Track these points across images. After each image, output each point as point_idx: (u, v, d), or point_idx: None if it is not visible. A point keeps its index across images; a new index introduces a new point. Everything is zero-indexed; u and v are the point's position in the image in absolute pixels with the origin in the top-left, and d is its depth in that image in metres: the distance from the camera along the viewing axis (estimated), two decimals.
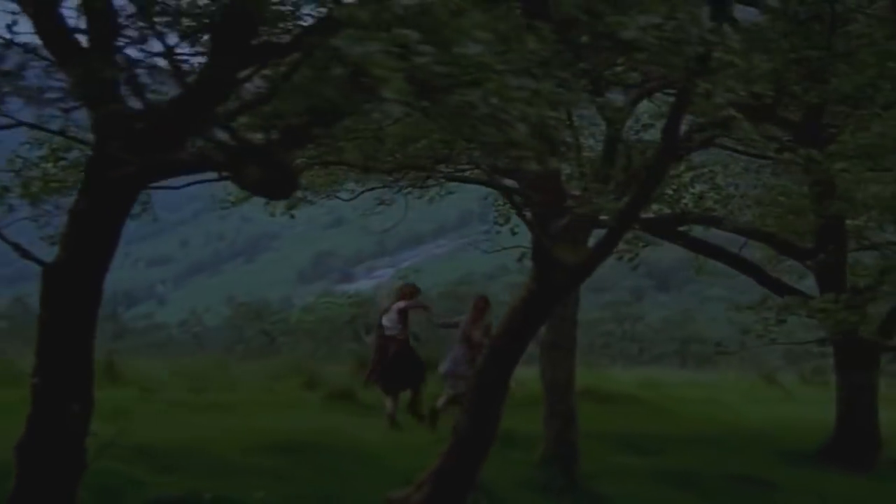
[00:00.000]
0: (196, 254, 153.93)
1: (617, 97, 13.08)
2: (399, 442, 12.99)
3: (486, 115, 3.99)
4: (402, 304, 15.05)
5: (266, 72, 6.26)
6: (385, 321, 15.10)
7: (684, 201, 17.12)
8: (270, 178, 5.77)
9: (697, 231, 18.06)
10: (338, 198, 17.69)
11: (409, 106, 3.94)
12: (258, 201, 16.90)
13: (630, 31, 4.27)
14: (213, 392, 15.21)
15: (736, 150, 17.54)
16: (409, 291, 15.36)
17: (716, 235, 18.48)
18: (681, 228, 17.38)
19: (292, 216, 16.50)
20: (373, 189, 17.23)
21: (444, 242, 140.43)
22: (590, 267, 9.84)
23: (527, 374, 14.60)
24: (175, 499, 9.59)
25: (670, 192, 16.66)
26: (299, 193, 16.81)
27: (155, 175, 7.11)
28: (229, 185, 12.99)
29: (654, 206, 16.79)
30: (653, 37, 4.28)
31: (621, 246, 11.93)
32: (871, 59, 9.56)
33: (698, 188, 17.34)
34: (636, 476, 14.29)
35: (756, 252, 18.44)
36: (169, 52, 6.36)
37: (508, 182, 11.00)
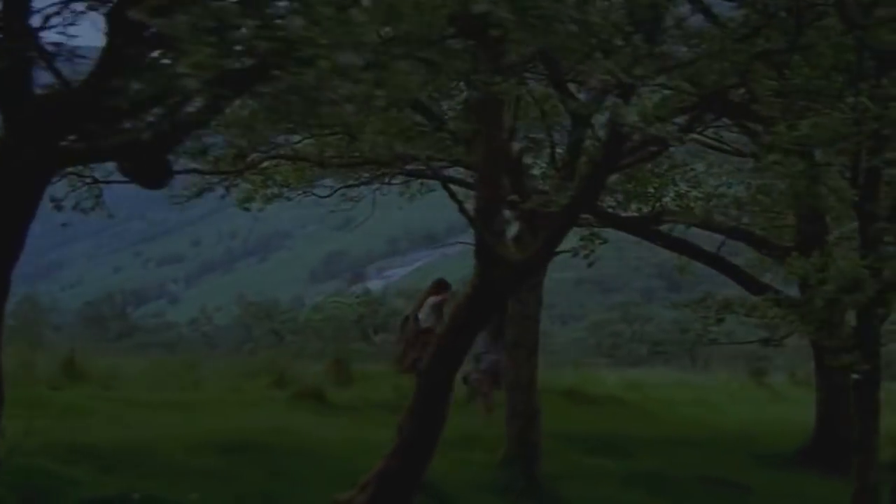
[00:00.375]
0: (208, 253, 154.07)
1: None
2: (359, 442, 12.71)
3: (318, 94, 3.72)
4: (436, 298, 16.36)
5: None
6: (420, 315, 16.38)
7: (665, 199, 16.82)
8: (142, 165, 5.52)
9: (681, 230, 17.75)
10: (314, 195, 17.50)
11: (219, 86, 3.67)
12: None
13: (481, 5, 4.00)
14: (177, 391, 14.99)
15: (717, 148, 17.28)
16: (441, 287, 16.82)
17: (698, 235, 18.16)
18: (661, 227, 17.09)
19: (260, 210, 16.24)
20: (349, 186, 17.04)
21: (457, 242, 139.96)
22: (534, 264, 9.58)
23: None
24: (104, 499, 9.35)
25: (651, 190, 16.37)
26: (275, 190, 16.65)
27: (54, 164, 6.86)
28: (187, 181, 12.80)
29: (634, 206, 16.55)
30: (506, 11, 4.00)
31: (577, 243, 11.66)
32: (829, 51, 9.26)
33: (682, 186, 17.03)
34: (605, 478, 14.01)
35: (750, 252, 18.09)
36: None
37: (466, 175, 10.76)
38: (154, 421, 12.79)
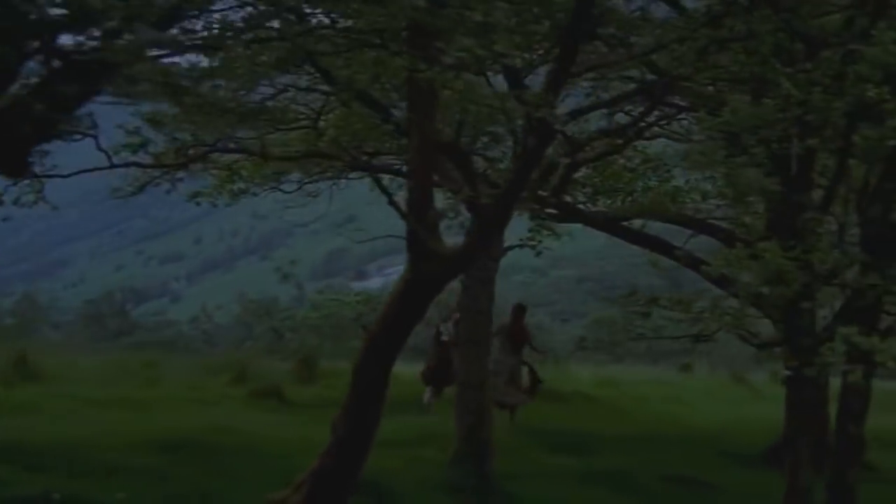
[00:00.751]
0: (209, 251, 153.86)
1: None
2: (307, 440, 12.47)
3: None
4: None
5: None
6: (442, 328, 17.13)
7: (636, 194, 16.56)
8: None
9: (656, 226, 17.47)
10: (280, 190, 17.27)
11: None
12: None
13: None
14: (132, 388, 14.78)
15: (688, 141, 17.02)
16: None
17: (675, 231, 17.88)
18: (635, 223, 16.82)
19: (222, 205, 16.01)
20: (315, 181, 16.81)
21: (458, 241, 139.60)
22: (466, 258, 9.34)
23: None
24: (26, 499, 9.12)
25: (622, 185, 16.12)
26: (241, 185, 16.42)
27: None
28: (127, 175, 12.56)
29: (603, 201, 16.29)
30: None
31: (525, 234, 11.43)
32: (770, 38, 9.01)
33: (653, 181, 16.76)
34: (564, 476, 13.76)
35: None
36: None
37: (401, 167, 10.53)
38: (100, 419, 12.62)
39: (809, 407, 8.65)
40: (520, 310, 17.12)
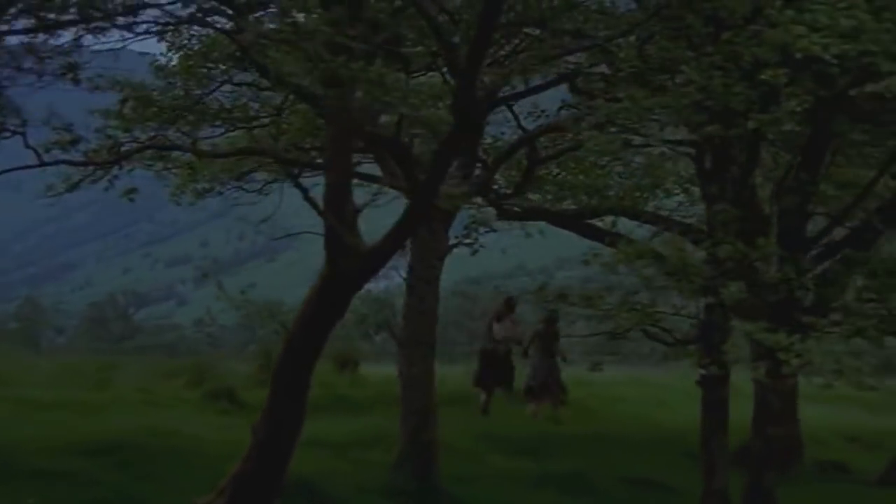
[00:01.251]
0: (216, 254, 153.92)
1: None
2: (246, 443, 12.23)
3: None
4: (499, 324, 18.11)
5: None
6: (496, 328, 18.02)
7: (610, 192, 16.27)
8: None
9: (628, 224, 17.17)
10: (243, 189, 17.05)
11: None
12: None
13: None
14: (82, 391, 14.54)
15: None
16: (508, 305, 18.38)
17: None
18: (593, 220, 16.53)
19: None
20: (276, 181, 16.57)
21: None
22: (384, 254, 9.09)
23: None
24: None
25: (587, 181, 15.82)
26: (206, 185, 16.21)
27: None
28: (62, 171, 12.33)
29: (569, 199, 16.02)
30: None
31: (461, 231, 11.18)
32: (699, 23, 8.73)
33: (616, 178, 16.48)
34: (516, 479, 13.47)
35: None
36: None
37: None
38: (40, 421, 12.37)
39: (722, 408, 8.34)
40: (552, 319, 17.52)
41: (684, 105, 6.68)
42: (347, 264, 8.90)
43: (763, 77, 6.25)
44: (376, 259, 9.10)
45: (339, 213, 8.91)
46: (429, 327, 12.37)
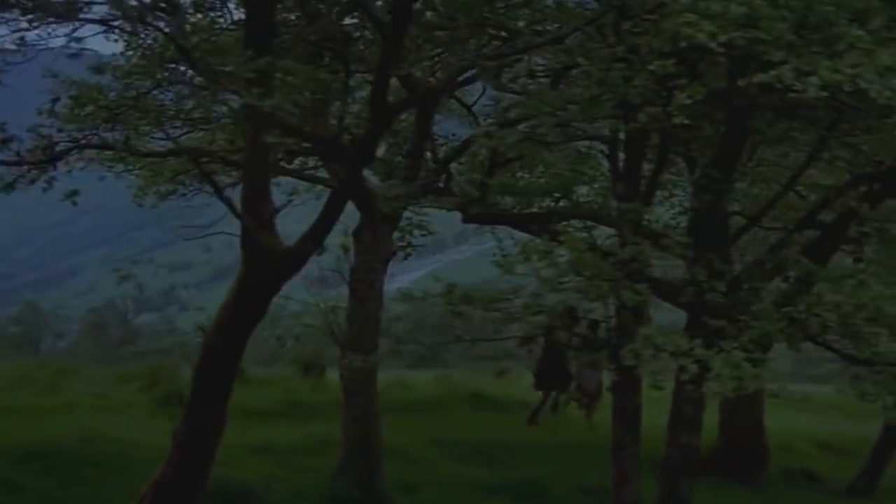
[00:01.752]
0: (219, 259, 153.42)
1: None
2: None
3: None
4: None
5: None
6: None
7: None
8: None
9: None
10: (206, 192, 16.85)
11: None
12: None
13: None
14: (30, 396, 14.31)
15: None
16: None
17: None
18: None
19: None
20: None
21: (466, 248, 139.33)
22: (301, 255, 8.85)
23: None
24: None
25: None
26: (169, 186, 16.03)
27: None
28: None
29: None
30: None
31: (395, 235, 10.93)
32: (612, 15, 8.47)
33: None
34: (468, 487, 13.19)
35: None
36: None
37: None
38: None
39: (634, 416, 8.09)
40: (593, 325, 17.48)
41: (586, 99, 6.44)
42: (264, 265, 8.66)
43: (651, 68, 5.99)
44: (294, 260, 8.86)
45: (256, 214, 8.68)
46: (371, 332, 12.11)
